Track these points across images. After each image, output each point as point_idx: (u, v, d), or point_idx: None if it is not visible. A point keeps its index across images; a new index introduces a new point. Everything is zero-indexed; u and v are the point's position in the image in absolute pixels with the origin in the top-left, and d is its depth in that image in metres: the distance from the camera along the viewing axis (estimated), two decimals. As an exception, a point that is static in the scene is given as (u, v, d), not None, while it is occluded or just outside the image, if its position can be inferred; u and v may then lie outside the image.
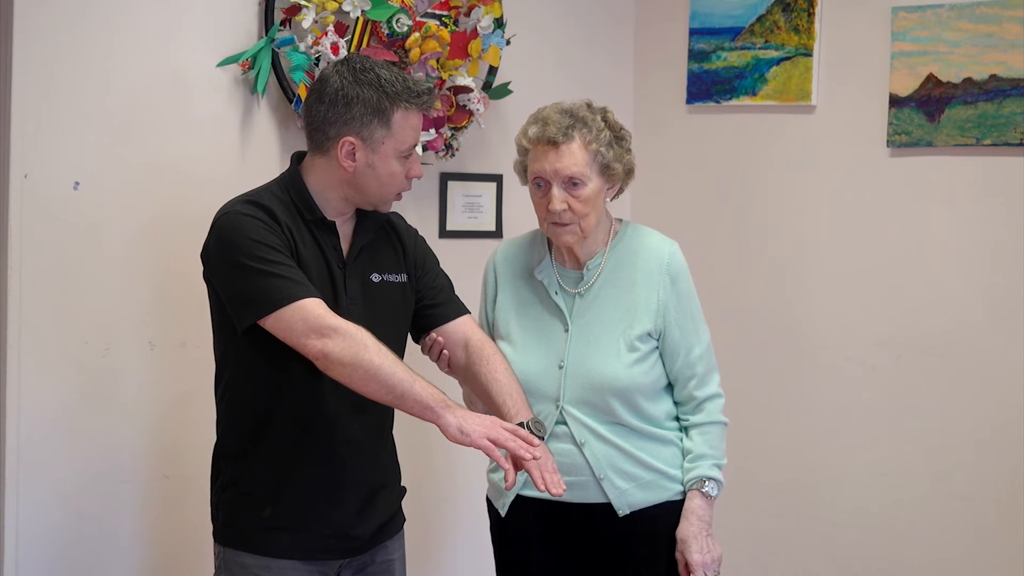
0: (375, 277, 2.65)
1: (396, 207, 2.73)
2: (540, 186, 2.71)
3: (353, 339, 2.42)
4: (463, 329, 2.75)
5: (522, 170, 2.79)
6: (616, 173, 2.72)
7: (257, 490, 2.57)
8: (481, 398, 2.72)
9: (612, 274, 2.77)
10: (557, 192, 2.68)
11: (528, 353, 2.78)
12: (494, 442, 2.40)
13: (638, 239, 2.80)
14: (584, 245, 2.77)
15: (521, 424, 2.56)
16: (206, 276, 2.58)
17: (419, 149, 3.44)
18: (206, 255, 2.57)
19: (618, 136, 2.75)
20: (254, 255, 2.46)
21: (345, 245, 2.63)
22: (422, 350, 2.79)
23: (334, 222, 2.61)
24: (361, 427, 2.61)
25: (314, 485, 2.57)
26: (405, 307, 2.71)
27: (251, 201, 2.55)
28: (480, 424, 2.42)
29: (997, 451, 3.43)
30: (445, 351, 2.75)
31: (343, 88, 2.54)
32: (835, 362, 3.74)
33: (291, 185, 2.61)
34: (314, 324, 2.42)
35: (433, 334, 2.75)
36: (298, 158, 2.66)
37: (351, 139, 2.54)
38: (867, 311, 3.68)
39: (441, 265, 2.83)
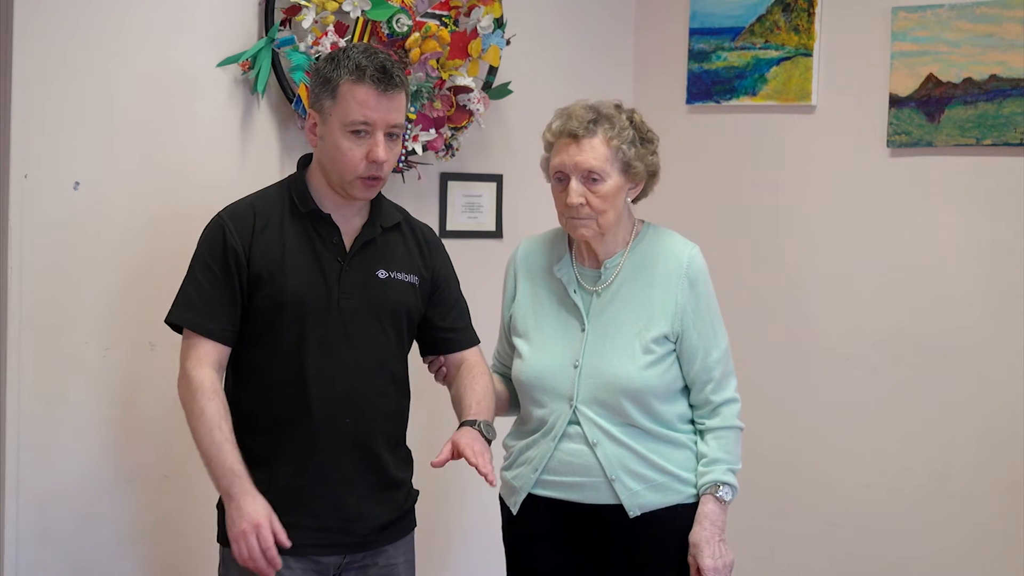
0: (381, 273, 2.66)
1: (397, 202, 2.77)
2: (560, 180, 2.72)
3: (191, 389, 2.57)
4: (465, 356, 2.80)
5: (547, 166, 2.79)
6: (637, 172, 2.72)
7: None
8: (453, 402, 2.76)
9: (631, 274, 2.77)
10: (575, 185, 2.68)
11: (544, 351, 2.77)
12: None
13: (658, 240, 2.80)
14: (603, 243, 2.76)
15: (474, 423, 2.62)
16: None
17: (419, 145, 3.45)
18: None
19: (644, 138, 2.75)
20: (194, 264, 2.63)
21: (349, 239, 2.65)
22: (424, 362, 2.85)
23: (329, 215, 2.64)
24: (354, 423, 2.61)
25: (297, 482, 2.59)
26: (412, 307, 2.72)
27: (236, 204, 2.67)
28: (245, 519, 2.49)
29: (997, 450, 3.43)
30: (444, 368, 2.83)
31: (317, 66, 2.65)
32: (835, 362, 3.74)
33: (293, 180, 2.69)
34: (183, 357, 2.62)
35: (441, 358, 2.81)
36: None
37: (313, 111, 2.63)
38: (867, 311, 3.67)
39: (441, 266, 2.85)
